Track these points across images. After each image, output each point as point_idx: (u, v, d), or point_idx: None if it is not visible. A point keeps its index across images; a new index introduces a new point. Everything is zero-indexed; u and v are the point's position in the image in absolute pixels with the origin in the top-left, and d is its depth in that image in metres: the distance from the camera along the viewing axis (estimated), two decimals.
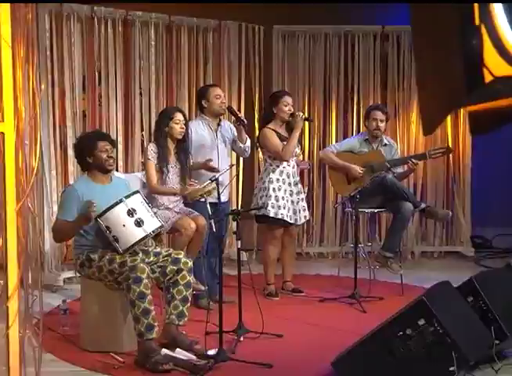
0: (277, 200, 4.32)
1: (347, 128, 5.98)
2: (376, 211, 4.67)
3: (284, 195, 4.34)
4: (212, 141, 4.20)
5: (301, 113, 4.34)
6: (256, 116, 5.77)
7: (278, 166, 4.38)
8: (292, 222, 4.35)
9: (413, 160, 4.49)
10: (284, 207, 4.31)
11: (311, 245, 6.04)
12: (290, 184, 4.38)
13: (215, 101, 4.19)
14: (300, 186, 4.49)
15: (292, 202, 4.36)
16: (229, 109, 4.24)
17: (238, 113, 4.16)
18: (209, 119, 4.22)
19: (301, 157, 4.71)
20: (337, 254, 5.79)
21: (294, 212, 4.37)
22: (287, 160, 4.35)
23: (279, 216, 4.30)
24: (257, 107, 5.79)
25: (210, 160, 4.04)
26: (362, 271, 4.63)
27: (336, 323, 3.82)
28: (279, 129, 4.41)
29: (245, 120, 4.12)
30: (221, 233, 3.35)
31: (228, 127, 4.37)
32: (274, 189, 4.34)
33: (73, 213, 3.22)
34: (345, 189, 4.59)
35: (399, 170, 4.69)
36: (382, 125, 4.63)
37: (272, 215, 4.29)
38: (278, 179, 4.37)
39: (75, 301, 4.05)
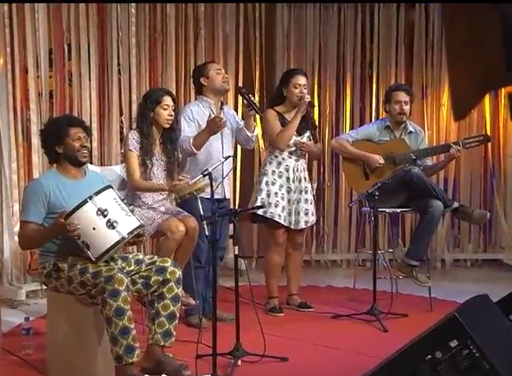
0: (268, 196, 4.32)
1: (364, 113, 5.98)
2: (399, 211, 4.66)
3: (279, 191, 4.34)
4: None
5: (307, 96, 4.33)
6: (256, 97, 5.76)
7: (276, 156, 4.39)
8: (285, 224, 4.34)
9: (453, 146, 4.46)
10: (276, 206, 4.30)
11: (321, 251, 6.04)
12: (288, 179, 4.37)
13: (217, 76, 4.19)
14: (306, 184, 4.44)
15: (289, 201, 4.36)
16: (240, 90, 4.24)
17: (249, 95, 4.13)
18: (210, 100, 4.21)
19: (318, 145, 4.65)
20: (352, 262, 5.78)
21: (290, 213, 4.36)
22: (282, 148, 4.33)
23: (269, 215, 4.30)
24: (257, 87, 5.79)
25: (217, 116, 3.98)
26: (383, 282, 4.62)
27: (351, 344, 3.81)
28: (287, 114, 4.40)
29: (257, 104, 4.11)
30: (215, 236, 3.34)
31: (231, 112, 4.37)
32: (267, 182, 4.35)
33: (40, 214, 3.20)
34: (362, 185, 4.58)
35: (427, 162, 4.68)
36: (406, 108, 4.62)
37: (260, 212, 4.29)
38: (274, 172, 4.36)
39: (40, 318, 4.04)
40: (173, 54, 5.41)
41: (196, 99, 4.35)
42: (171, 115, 3.91)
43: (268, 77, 5.73)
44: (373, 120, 5.74)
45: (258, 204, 4.31)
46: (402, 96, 4.60)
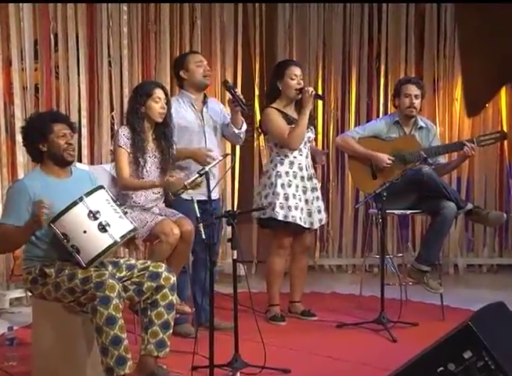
0: (287, 199, 4.30)
1: (371, 108, 5.98)
2: (408, 212, 4.65)
3: (296, 192, 4.32)
4: (198, 124, 4.18)
5: (311, 89, 4.32)
6: (256, 92, 5.77)
7: (287, 156, 4.36)
8: (307, 226, 4.34)
9: (467, 144, 4.46)
10: (296, 208, 4.30)
11: (325, 256, 6.04)
12: (303, 178, 4.36)
13: (197, 69, 4.17)
14: (315, 180, 4.46)
15: (306, 201, 4.35)
16: (225, 84, 4.21)
17: (235, 89, 4.14)
18: (191, 95, 4.20)
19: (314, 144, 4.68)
20: (358, 267, 5.78)
21: (309, 214, 4.36)
22: (295, 149, 4.32)
23: (290, 219, 4.28)
24: (257, 81, 5.79)
25: (209, 150, 4.03)
26: (391, 289, 4.62)
27: (357, 355, 3.79)
28: (287, 109, 4.39)
29: (243, 99, 4.10)
30: (212, 239, 3.33)
31: (217, 106, 4.34)
32: (283, 185, 4.32)
33: (22, 216, 3.19)
34: (369, 185, 4.57)
35: (439, 161, 4.67)
36: (417, 103, 4.62)
37: (280, 217, 4.27)
38: (287, 173, 4.34)
39: (25, 328, 4.04)
40: (167, 45, 5.41)
41: (178, 91, 4.31)
42: (164, 108, 3.91)
43: (269, 70, 5.70)
44: (381, 115, 5.73)
45: (278, 208, 4.25)
46: (413, 89, 4.60)
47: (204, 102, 4.24)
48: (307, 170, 4.39)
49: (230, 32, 5.66)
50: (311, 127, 4.45)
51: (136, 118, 3.88)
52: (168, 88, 5.37)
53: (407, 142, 4.64)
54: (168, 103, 3.96)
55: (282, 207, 4.28)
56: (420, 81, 4.78)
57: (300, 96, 4.29)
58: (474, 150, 4.50)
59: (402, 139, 4.67)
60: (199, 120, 4.19)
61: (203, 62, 4.21)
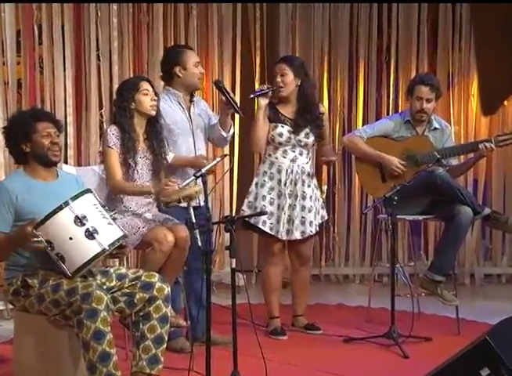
0: (255, 199, 4.36)
1: (380, 106, 5.99)
2: (421, 218, 4.65)
3: (267, 194, 4.35)
4: (186, 124, 4.18)
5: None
6: (257, 87, 5.75)
7: (270, 155, 4.43)
8: (272, 232, 4.34)
9: (484, 143, 4.46)
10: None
11: (332, 265, 6.04)
12: (279, 182, 4.36)
13: (194, 71, 4.17)
14: (305, 189, 4.38)
15: (278, 206, 4.35)
16: (217, 84, 4.20)
17: (229, 91, 4.14)
18: (179, 93, 4.20)
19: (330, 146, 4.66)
20: (367, 277, 5.77)
21: (278, 220, 4.35)
22: (254, 151, 4.44)
23: (252, 221, 4.33)
24: (258, 77, 5.78)
25: (204, 157, 4.04)
26: (402, 301, 4.62)
27: (365, 372, 3.79)
28: (281, 106, 4.39)
29: (237, 102, 4.09)
30: (209, 247, 3.33)
31: (202, 105, 4.34)
32: (257, 184, 4.41)
33: (5, 220, 3.19)
34: (379, 189, 4.58)
35: (454, 162, 4.67)
36: (429, 107, 4.61)
37: (249, 219, 4.34)
38: (265, 172, 4.41)
39: (6, 343, 4.03)
40: (160, 37, 5.41)
41: (164, 87, 4.27)
42: (155, 99, 3.91)
43: (271, 66, 5.71)
44: (391, 113, 5.73)
45: (245, 207, 4.36)
46: (425, 93, 4.59)
47: (191, 100, 4.24)
48: (288, 174, 4.36)
49: (228, 24, 5.66)
50: (308, 128, 4.39)
51: (125, 117, 3.88)
52: (161, 83, 5.38)
53: (419, 142, 4.64)
54: (158, 97, 3.96)
55: (249, 207, 4.35)
56: (434, 83, 4.68)
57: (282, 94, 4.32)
58: (491, 150, 4.49)
59: (414, 138, 4.66)
60: (187, 120, 4.19)
61: (199, 63, 4.24)
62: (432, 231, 5.94)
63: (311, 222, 4.39)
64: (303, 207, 4.38)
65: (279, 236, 4.35)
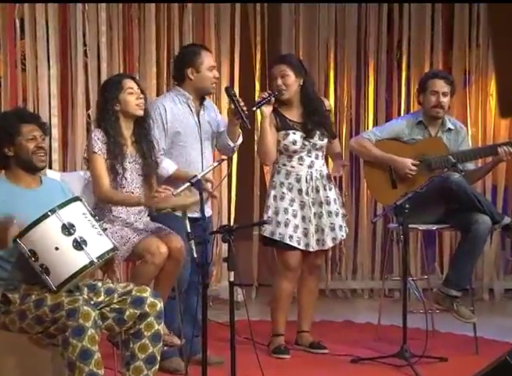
0: (276, 214, 4.35)
1: (391, 106, 6.00)
2: (435, 227, 4.66)
3: (289, 207, 4.35)
4: (195, 129, 4.18)
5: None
6: (257, 87, 5.77)
7: (284, 164, 4.41)
8: (300, 247, 4.34)
9: (505, 148, 4.46)
10: (286, 225, 4.32)
11: (338, 278, 6.03)
12: (300, 191, 4.37)
13: (208, 75, 4.16)
14: (327, 193, 4.42)
15: (303, 218, 4.36)
16: (227, 91, 4.20)
17: (240, 100, 4.11)
18: (189, 95, 4.21)
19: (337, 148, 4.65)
20: (376, 291, 5.76)
21: (306, 233, 4.36)
22: (264, 163, 4.47)
23: (277, 237, 4.33)
24: (258, 74, 5.79)
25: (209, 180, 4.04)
26: (415, 317, 4.61)
27: None
28: (287, 111, 4.40)
29: (246, 111, 4.08)
30: (204, 259, 3.33)
31: (212, 110, 4.34)
32: (275, 197, 4.39)
33: None
34: (389, 196, 4.57)
35: (471, 167, 4.67)
36: (445, 101, 4.62)
37: (267, 233, 4.34)
38: (282, 184, 4.40)
39: None
40: (153, 33, 5.43)
41: (173, 87, 4.28)
42: (141, 98, 3.90)
43: (272, 66, 5.70)
44: (403, 114, 5.74)
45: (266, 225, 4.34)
46: (441, 86, 4.60)
47: (201, 103, 4.24)
48: (308, 182, 4.38)
49: (226, 18, 5.67)
50: (320, 132, 4.41)
51: (109, 120, 3.86)
52: (154, 82, 5.40)
53: (432, 145, 4.64)
54: (145, 97, 3.95)
55: (270, 222, 4.33)
56: (449, 76, 4.78)
57: (284, 97, 4.32)
58: (511, 154, 4.49)
59: (427, 141, 4.67)
60: (196, 125, 4.19)
61: (215, 67, 4.23)
62: (447, 242, 5.93)
63: (340, 227, 4.46)
64: (329, 213, 4.42)
65: (310, 249, 4.37)
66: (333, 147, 4.59)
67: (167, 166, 4.07)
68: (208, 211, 4.21)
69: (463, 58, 5.93)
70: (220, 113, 4.53)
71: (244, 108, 4.06)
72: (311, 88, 4.42)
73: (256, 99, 4.32)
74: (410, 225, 4.35)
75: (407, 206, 4.17)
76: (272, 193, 4.39)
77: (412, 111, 5.46)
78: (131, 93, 3.88)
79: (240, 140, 4.29)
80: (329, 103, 4.83)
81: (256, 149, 4.39)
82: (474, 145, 5.28)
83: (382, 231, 5.93)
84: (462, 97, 5.86)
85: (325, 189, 4.43)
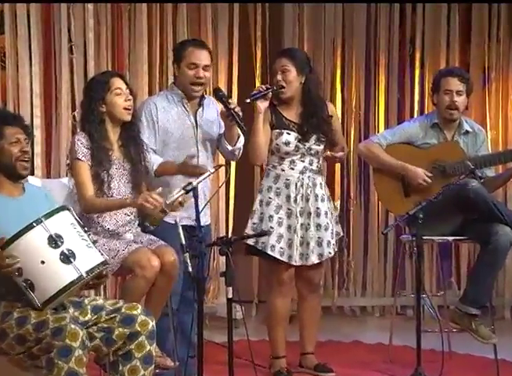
0: (261, 220, 4.35)
1: (403, 107, 6.02)
2: (451, 239, 4.67)
3: (275, 214, 4.36)
4: (189, 130, 4.20)
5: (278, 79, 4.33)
6: (258, 85, 5.77)
7: (274, 167, 4.41)
8: (283, 258, 4.33)
9: None
10: (270, 233, 4.31)
11: (346, 295, 6.04)
12: (289, 198, 4.36)
13: (187, 73, 4.17)
14: (318, 204, 4.40)
15: (289, 227, 4.36)
16: (216, 93, 4.21)
17: (229, 100, 4.13)
18: (182, 94, 4.22)
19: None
20: (388, 309, 5.77)
21: (290, 244, 4.35)
22: (254, 164, 4.42)
23: (259, 246, 4.32)
24: (258, 73, 5.80)
25: (193, 156, 4.05)
26: (430, 337, 4.61)
27: None
28: (286, 110, 4.41)
29: (240, 112, 4.10)
30: (201, 274, 3.35)
31: (214, 109, 4.34)
32: (261, 202, 4.39)
33: None
34: (401, 205, 4.58)
35: (490, 173, 4.69)
36: (460, 101, 4.64)
37: (250, 242, 4.32)
38: (270, 188, 4.39)
39: None
40: (144, 27, 5.45)
41: (170, 85, 4.32)
42: (130, 100, 3.91)
43: (273, 61, 5.72)
44: (416, 116, 5.75)
45: (248, 230, 4.34)
46: (455, 84, 4.62)
47: (200, 103, 4.27)
48: (298, 189, 4.36)
49: (224, 11, 5.68)
50: (316, 136, 4.41)
51: (94, 123, 3.87)
52: (145, 80, 5.42)
53: (448, 149, 4.66)
54: (133, 95, 3.97)
55: (254, 230, 4.32)
56: (464, 74, 4.78)
57: (282, 95, 4.32)
58: None
59: (443, 146, 4.68)
60: (191, 125, 4.22)
61: (199, 65, 4.17)
62: (465, 255, 5.94)
63: (328, 242, 4.41)
64: (318, 226, 4.39)
65: (293, 262, 4.34)
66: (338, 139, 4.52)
67: (154, 160, 4.08)
68: (206, 220, 4.21)
69: (482, 54, 5.95)
70: None
71: (237, 110, 4.07)
72: (314, 88, 4.40)
73: (253, 91, 4.26)
74: (424, 237, 4.35)
75: (421, 216, 4.18)
76: (259, 197, 4.39)
77: (426, 113, 5.47)
78: (119, 94, 3.88)
79: (241, 143, 4.29)
80: (334, 108, 4.73)
81: (247, 150, 4.34)
82: (493, 149, 5.30)
83: (394, 243, 5.93)
84: (480, 97, 5.88)
85: (316, 200, 4.41)
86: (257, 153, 4.34)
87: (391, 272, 5.95)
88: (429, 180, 4.58)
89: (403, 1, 5.92)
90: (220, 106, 4.20)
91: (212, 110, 4.32)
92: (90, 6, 5.26)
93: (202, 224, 3.69)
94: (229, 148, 4.23)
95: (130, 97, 3.90)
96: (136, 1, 5.41)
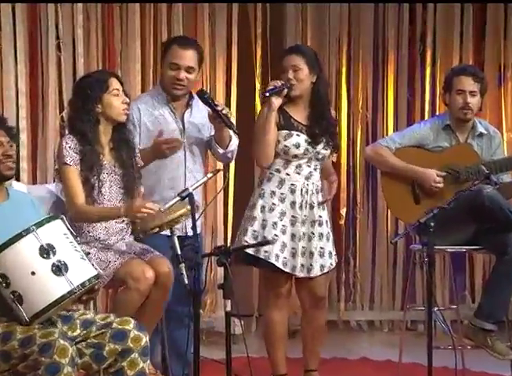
0: (263, 228, 4.33)
1: (413, 108, 6.01)
2: (465, 249, 4.67)
3: (279, 221, 4.34)
4: (176, 134, 4.21)
5: (290, 78, 4.32)
6: (258, 86, 5.78)
7: (278, 170, 4.39)
8: (286, 269, 4.32)
9: None
10: (273, 242, 4.28)
11: (352, 308, 6.04)
12: (293, 205, 4.35)
13: (167, 73, 4.19)
14: (320, 212, 4.40)
15: (293, 236, 4.35)
16: (200, 95, 4.19)
17: (215, 101, 4.15)
18: (166, 94, 4.24)
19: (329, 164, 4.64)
20: (397, 323, 5.76)
21: (294, 254, 4.35)
22: (261, 166, 4.38)
23: (262, 255, 4.28)
24: (258, 72, 5.80)
25: (162, 132, 4.06)
26: (442, 354, 4.60)
27: None
28: (294, 110, 4.41)
29: (228, 112, 4.11)
30: (197, 286, 3.35)
31: (204, 110, 4.32)
32: (263, 208, 4.35)
33: None
34: (411, 212, 4.58)
35: (506, 179, 4.70)
36: (473, 102, 4.64)
37: (251, 251, 4.27)
38: (273, 193, 4.36)
39: None
40: (137, 23, 5.46)
41: (156, 84, 4.34)
42: (127, 102, 3.92)
43: (274, 57, 5.73)
44: (427, 117, 5.76)
45: (249, 237, 4.30)
46: (468, 84, 4.63)
47: (188, 104, 4.27)
48: (303, 195, 4.36)
49: (222, 7, 5.68)
50: (325, 140, 4.41)
51: (88, 122, 3.87)
52: (138, 79, 5.43)
53: (461, 153, 4.66)
54: (128, 97, 3.97)
55: (255, 238, 4.29)
56: (478, 72, 4.78)
57: (292, 93, 4.30)
58: None
59: (455, 149, 4.69)
60: (178, 129, 4.23)
61: (181, 66, 4.18)
62: (479, 266, 5.94)
63: (330, 253, 4.40)
64: (320, 235, 4.38)
65: (298, 274, 4.32)
66: (328, 164, 4.54)
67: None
68: (198, 229, 4.19)
69: (497, 51, 5.95)
70: None
71: (224, 112, 4.08)
72: (323, 89, 4.38)
73: (269, 86, 4.19)
74: (436, 247, 4.32)
75: (432, 224, 4.17)
76: (260, 203, 4.33)
77: (437, 114, 5.48)
78: (117, 95, 3.90)
79: (233, 145, 4.31)
80: (342, 108, 4.75)
81: (253, 147, 4.30)
82: (509, 153, 5.29)
83: (403, 253, 5.93)
84: (496, 97, 5.88)
85: (319, 208, 4.40)
86: (268, 153, 4.30)
87: (401, 284, 5.94)
88: (441, 183, 4.58)
89: (413, 2, 5.91)
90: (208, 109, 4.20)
91: (202, 110, 4.31)
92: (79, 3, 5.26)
93: (191, 233, 3.70)
94: (221, 151, 4.25)
95: (127, 100, 3.93)
96: (128, 1, 5.41)
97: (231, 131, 4.19)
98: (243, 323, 4.88)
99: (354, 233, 5.96)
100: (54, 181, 4.56)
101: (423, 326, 5.65)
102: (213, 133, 4.29)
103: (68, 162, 3.83)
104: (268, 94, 4.21)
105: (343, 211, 5.87)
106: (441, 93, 5.03)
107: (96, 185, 3.87)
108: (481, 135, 4.73)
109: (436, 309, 4.59)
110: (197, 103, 4.30)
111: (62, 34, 5.26)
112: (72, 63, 5.30)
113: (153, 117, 4.19)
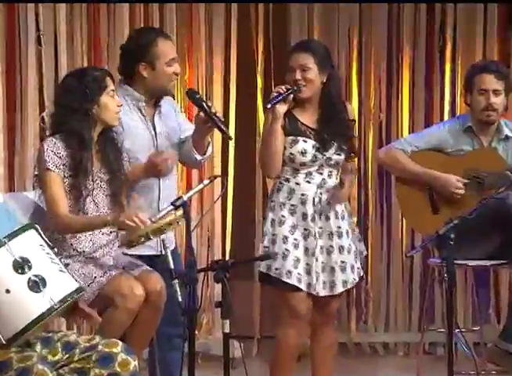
0: (273, 243, 4.33)
1: (431, 109, 6.02)
2: (489, 264, 4.69)
3: (290, 234, 4.34)
4: (148, 141, 4.22)
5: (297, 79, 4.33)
6: (259, 84, 5.79)
7: (288, 180, 4.38)
8: (302, 286, 4.31)
9: None
10: (285, 258, 4.26)
11: (365, 329, 6.03)
12: (305, 216, 4.34)
13: (166, 71, 4.20)
14: (339, 222, 4.39)
15: (306, 250, 4.34)
16: (190, 95, 4.22)
17: (205, 101, 4.14)
18: (141, 97, 4.23)
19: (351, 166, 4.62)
20: (414, 346, 5.76)
21: (308, 270, 4.34)
22: (268, 176, 4.40)
23: (273, 272, 4.30)
24: (260, 69, 5.81)
25: (162, 152, 4.09)
26: None
27: None
28: (300, 113, 4.41)
29: (219, 114, 4.11)
30: (191, 304, 3.35)
31: (171, 111, 4.36)
32: (273, 221, 4.35)
33: None
34: (428, 223, 4.59)
35: None
36: (498, 101, 4.65)
37: (262, 268, 4.29)
38: (283, 205, 4.36)
39: None
40: (125, 17, 5.49)
41: (120, 85, 4.24)
42: (121, 105, 3.95)
43: (278, 54, 5.75)
44: (446, 118, 5.76)
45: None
46: (491, 82, 4.64)
47: (156, 105, 4.27)
48: (316, 205, 4.34)
49: (221, 7, 5.70)
50: (337, 145, 4.41)
51: (85, 124, 3.88)
52: None
53: (485, 157, 4.67)
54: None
55: (274, 257, 4.27)
56: (502, 69, 4.78)
57: (299, 95, 4.31)
58: None
59: (478, 153, 4.70)
60: (150, 135, 4.23)
61: (175, 60, 4.23)
62: (505, 283, 5.93)
63: (352, 267, 4.38)
64: (341, 248, 4.37)
65: (312, 291, 4.30)
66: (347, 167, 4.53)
67: None
68: (169, 245, 3.95)
69: None
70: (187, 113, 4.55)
71: (218, 114, 4.09)
72: (335, 89, 4.35)
73: (273, 94, 4.20)
74: (457, 261, 4.34)
75: (452, 236, 4.17)
76: (270, 216, 4.34)
77: (457, 114, 5.48)
78: (112, 96, 3.92)
79: (209, 152, 4.33)
80: (352, 107, 4.74)
81: (258, 156, 4.31)
82: None
83: (420, 268, 5.92)
84: None
85: (337, 218, 4.39)
86: (274, 163, 4.31)
87: (418, 302, 5.93)
88: (463, 189, 4.57)
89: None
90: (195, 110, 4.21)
91: (170, 111, 4.34)
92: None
93: (163, 251, 3.67)
94: (198, 158, 4.23)
95: (120, 102, 3.96)
96: (116, 2, 5.42)
97: (221, 135, 4.21)
98: (242, 345, 4.88)
99: (365, 246, 5.93)
100: (33, 188, 4.59)
101: (442, 349, 5.64)
102: (184, 136, 4.29)
103: (50, 167, 3.84)
104: (269, 106, 4.22)
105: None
106: (461, 92, 5.03)
107: (83, 193, 3.88)
108: (506, 138, 4.74)
109: (457, 330, 4.59)
110: (165, 102, 4.32)
111: (42, 28, 5.28)
112: (53, 59, 5.33)
113: (121, 122, 4.11)
